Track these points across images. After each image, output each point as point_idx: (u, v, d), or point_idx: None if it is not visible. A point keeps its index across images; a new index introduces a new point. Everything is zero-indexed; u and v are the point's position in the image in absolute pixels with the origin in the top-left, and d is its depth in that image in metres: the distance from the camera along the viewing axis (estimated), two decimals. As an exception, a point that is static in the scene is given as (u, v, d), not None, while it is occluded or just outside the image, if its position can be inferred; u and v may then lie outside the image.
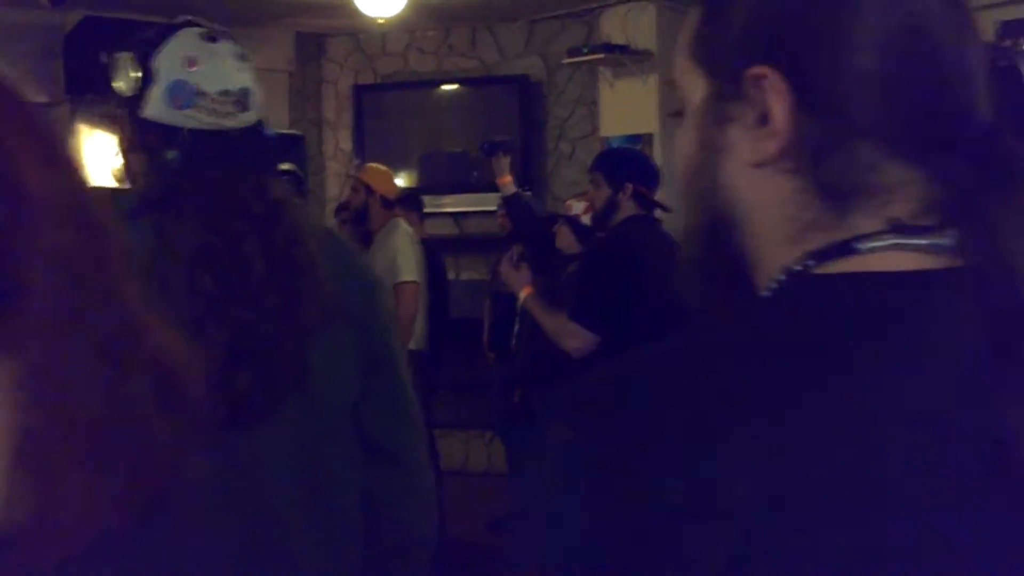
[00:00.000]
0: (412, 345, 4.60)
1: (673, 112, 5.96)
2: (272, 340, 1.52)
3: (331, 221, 5.69)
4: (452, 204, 7.16)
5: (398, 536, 1.73)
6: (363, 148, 7.43)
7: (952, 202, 0.69)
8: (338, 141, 7.68)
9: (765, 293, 0.74)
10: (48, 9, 6.39)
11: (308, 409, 1.58)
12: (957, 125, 0.70)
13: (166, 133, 1.57)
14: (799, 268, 0.71)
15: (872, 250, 0.69)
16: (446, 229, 7.19)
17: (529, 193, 5.58)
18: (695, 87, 0.78)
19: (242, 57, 1.64)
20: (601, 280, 3.55)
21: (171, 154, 1.56)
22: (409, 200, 5.36)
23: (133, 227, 1.52)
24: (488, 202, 5.86)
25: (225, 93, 1.59)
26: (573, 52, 6.68)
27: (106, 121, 1.83)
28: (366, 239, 4.82)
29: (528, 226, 4.55)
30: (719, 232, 0.77)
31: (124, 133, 1.63)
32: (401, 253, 4.67)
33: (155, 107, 1.57)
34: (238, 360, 1.49)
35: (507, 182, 4.52)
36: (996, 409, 0.63)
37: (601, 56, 6.49)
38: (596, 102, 6.91)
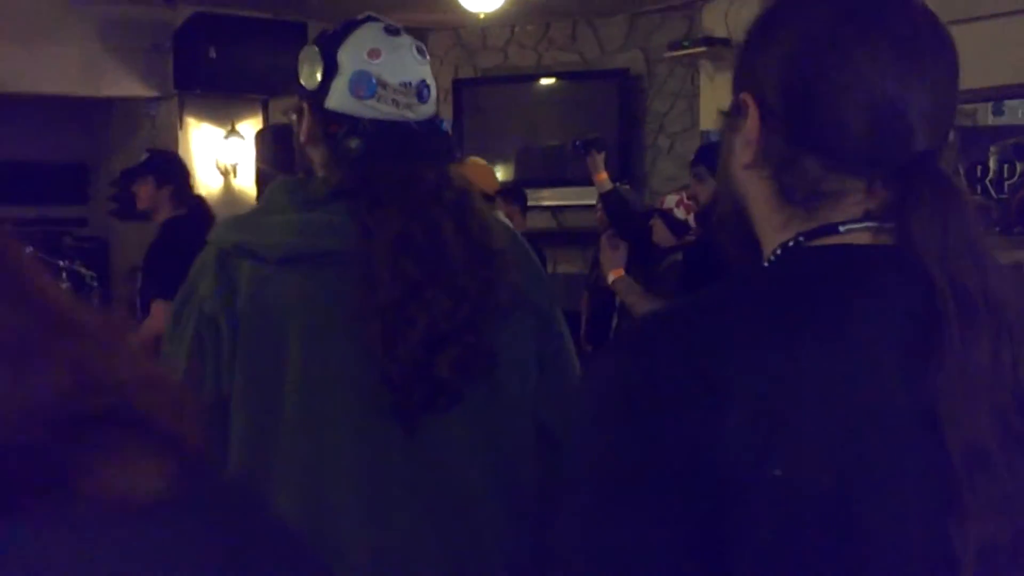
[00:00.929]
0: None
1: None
2: (468, 324, 1.56)
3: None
4: (550, 198, 7.16)
5: None
6: (461, 142, 7.47)
7: (889, 204, 0.89)
8: (438, 135, 7.73)
9: (766, 264, 0.94)
10: (159, 5, 6.57)
11: (494, 392, 1.62)
12: (889, 151, 0.89)
13: (349, 123, 1.60)
14: (792, 243, 0.91)
15: (849, 231, 0.90)
16: (544, 222, 7.20)
17: (628, 187, 5.55)
18: (730, 101, 0.99)
19: (421, 51, 1.68)
20: (709, 276, 3.52)
21: (354, 143, 1.60)
22: (512, 194, 5.37)
23: (324, 214, 1.59)
24: (586, 196, 5.83)
25: (406, 84, 1.63)
26: (674, 46, 6.64)
27: (290, 114, 1.88)
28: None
29: (626, 222, 4.52)
30: (733, 217, 0.99)
31: (306, 126, 1.66)
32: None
33: (338, 98, 1.61)
34: (436, 344, 1.54)
35: (603, 179, 4.50)
36: (925, 372, 0.82)
37: (702, 50, 6.42)
38: (696, 96, 6.85)
